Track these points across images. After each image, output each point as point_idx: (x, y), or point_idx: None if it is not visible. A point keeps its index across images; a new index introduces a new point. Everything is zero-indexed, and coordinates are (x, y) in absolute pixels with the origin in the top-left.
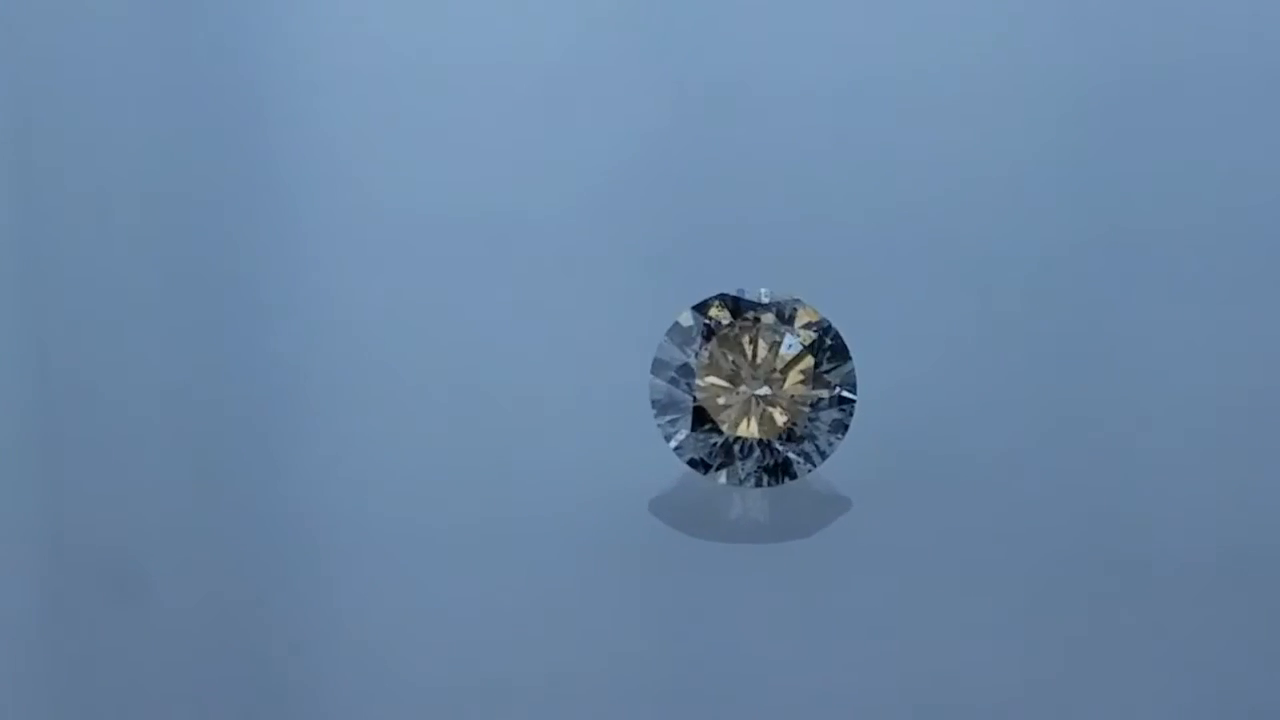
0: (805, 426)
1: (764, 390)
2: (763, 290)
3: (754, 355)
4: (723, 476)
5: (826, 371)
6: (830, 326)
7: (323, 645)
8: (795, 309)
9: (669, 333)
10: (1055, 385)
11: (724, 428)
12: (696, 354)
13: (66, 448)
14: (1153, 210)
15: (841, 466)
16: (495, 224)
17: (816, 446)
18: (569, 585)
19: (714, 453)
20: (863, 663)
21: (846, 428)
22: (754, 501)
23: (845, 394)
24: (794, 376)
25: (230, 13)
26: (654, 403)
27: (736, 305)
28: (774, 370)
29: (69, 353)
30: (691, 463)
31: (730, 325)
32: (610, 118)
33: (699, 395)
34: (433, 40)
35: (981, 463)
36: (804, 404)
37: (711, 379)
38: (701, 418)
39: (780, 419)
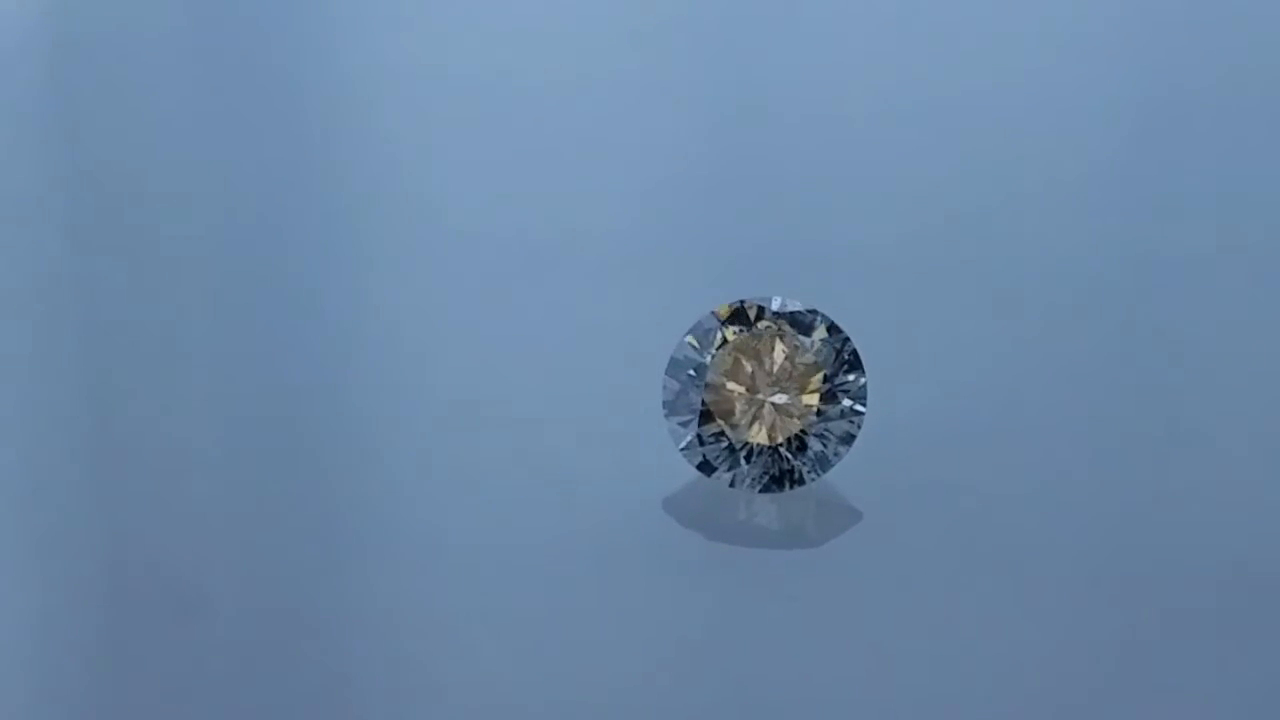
0: (815, 436)
1: (779, 398)
2: (782, 299)
3: (770, 363)
4: (729, 480)
5: (840, 383)
6: (847, 338)
7: (375, 657)
8: (814, 320)
9: (687, 335)
10: (1075, 400)
11: (734, 432)
12: (713, 357)
13: (125, 474)
14: (1181, 223)
15: (850, 477)
16: (533, 235)
17: (824, 456)
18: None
19: (721, 456)
20: (871, 669)
21: (854, 439)
22: (760, 507)
23: (856, 406)
24: (807, 386)
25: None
26: (665, 403)
27: (757, 312)
28: (788, 378)
29: (125, 372)
30: (700, 465)
31: (748, 331)
32: (645, 133)
33: (710, 399)
34: (484, 61)
35: (995, 477)
36: (815, 414)
37: (726, 383)
38: (710, 420)
39: (790, 427)
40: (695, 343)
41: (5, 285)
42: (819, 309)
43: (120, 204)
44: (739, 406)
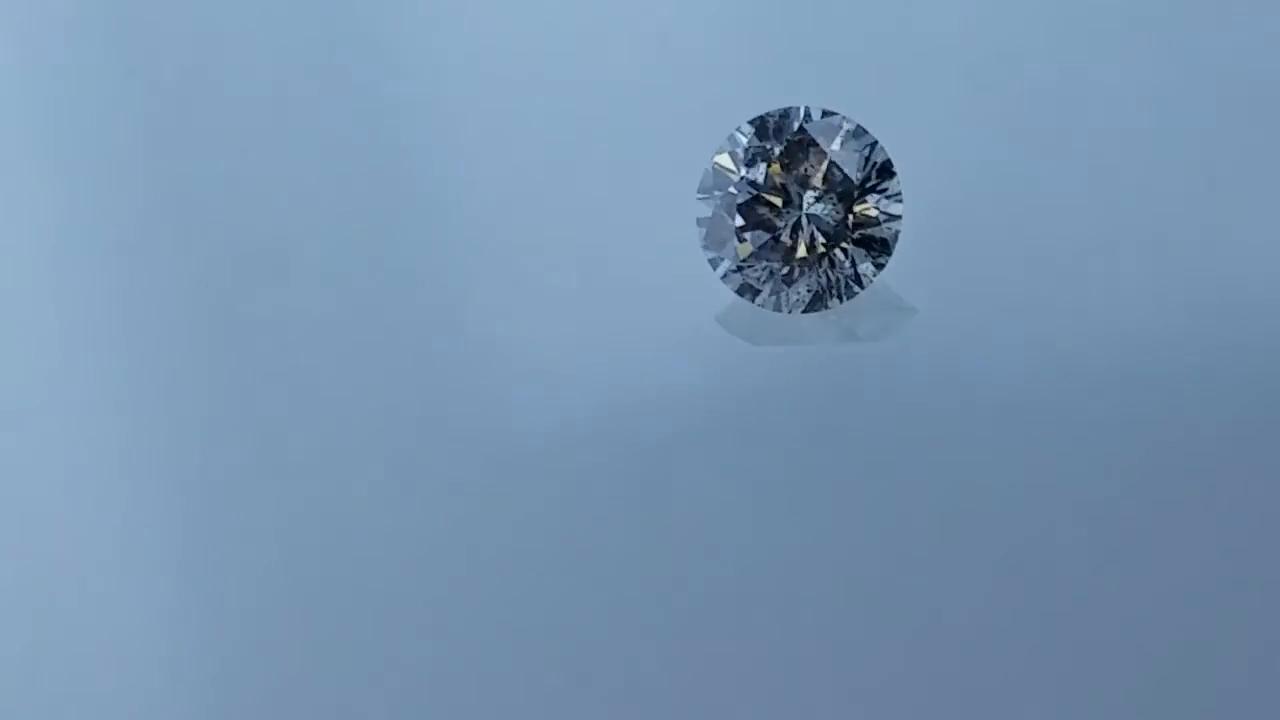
0: (855, 244)
1: (817, 208)
2: (806, 106)
3: (803, 173)
4: (773, 303)
5: (875, 187)
6: (875, 142)
7: None
8: (840, 124)
9: (716, 155)
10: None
11: (775, 250)
12: (744, 174)
13: None
14: None
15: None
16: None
17: (867, 264)
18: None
19: (763, 277)
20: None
21: (894, 244)
22: (810, 324)
23: (893, 209)
24: (842, 194)
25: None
26: (700, 226)
27: (782, 123)
28: (823, 186)
29: None
30: (740, 290)
31: (777, 143)
32: None
33: (747, 216)
34: None
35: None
36: (852, 222)
37: (761, 198)
38: (748, 239)
39: (832, 237)
40: (724, 162)
41: None
42: (843, 113)
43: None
44: (778, 221)
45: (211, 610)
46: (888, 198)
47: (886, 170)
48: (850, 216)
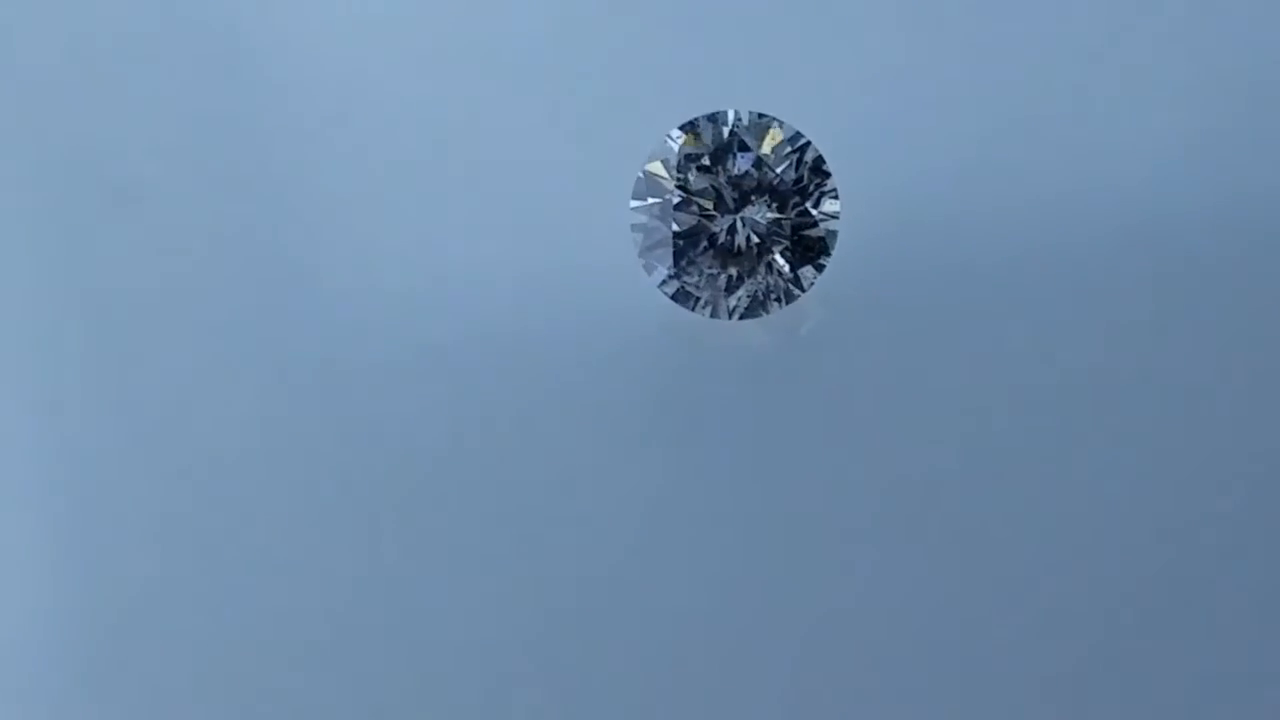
0: (793, 248)
1: (751, 211)
2: (736, 110)
3: (736, 176)
4: (710, 310)
5: (810, 188)
6: (808, 142)
7: None
8: (772, 126)
9: (647, 162)
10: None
11: (710, 255)
12: (678, 180)
13: None
14: None
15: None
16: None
17: (804, 268)
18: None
19: (701, 284)
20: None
21: (832, 246)
22: (746, 330)
23: (830, 210)
24: (778, 196)
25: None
26: (635, 234)
27: (715, 127)
28: (756, 190)
29: None
30: (676, 296)
31: (708, 148)
32: None
33: (682, 222)
34: None
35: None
36: (789, 226)
37: (694, 204)
38: (683, 247)
39: (767, 243)
40: (654, 172)
41: None
42: (769, 113)
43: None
44: (713, 226)
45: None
46: (824, 196)
47: (820, 170)
48: (786, 218)
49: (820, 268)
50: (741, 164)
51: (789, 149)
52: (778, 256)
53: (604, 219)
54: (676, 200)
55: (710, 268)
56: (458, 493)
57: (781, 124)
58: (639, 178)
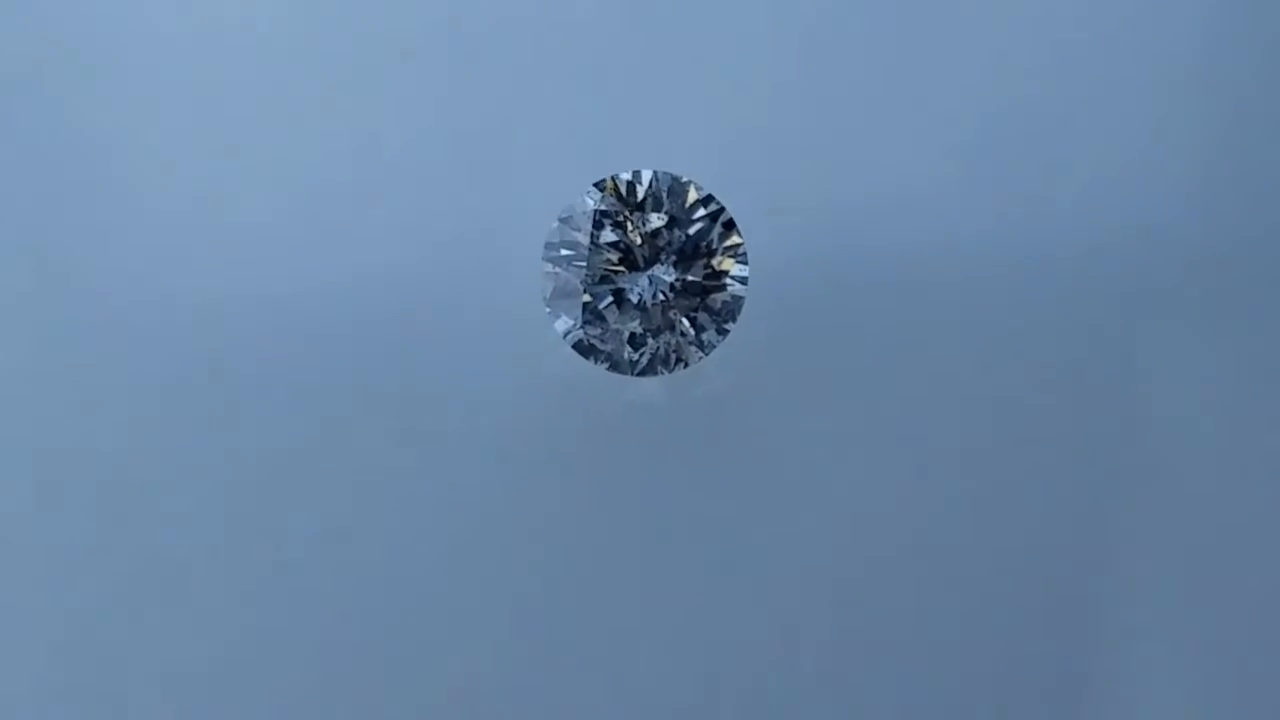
0: (700, 309)
1: (658, 270)
2: (652, 170)
3: (647, 235)
4: (609, 365)
5: (720, 248)
6: (721, 207)
7: None
8: (687, 188)
9: (562, 217)
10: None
11: (618, 312)
12: (590, 237)
13: None
14: None
15: (740, 342)
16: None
17: (710, 329)
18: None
19: (606, 339)
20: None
21: (738, 308)
22: (648, 387)
23: (738, 272)
24: (688, 256)
25: None
26: (545, 285)
27: (628, 186)
28: (666, 250)
29: None
30: (579, 348)
31: (622, 207)
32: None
33: (590, 278)
34: None
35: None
36: (698, 286)
37: (605, 260)
38: (592, 300)
39: (674, 303)
40: (569, 225)
41: None
42: (683, 174)
43: None
44: (622, 282)
45: None
46: (732, 258)
47: (731, 230)
48: (695, 279)
49: (724, 332)
50: (654, 222)
51: (702, 210)
52: (683, 318)
53: (518, 266)
54: (587, 254)
55: (616, 322)
56: (337, 534)
57: (697, 185)
58: (552, 228)
